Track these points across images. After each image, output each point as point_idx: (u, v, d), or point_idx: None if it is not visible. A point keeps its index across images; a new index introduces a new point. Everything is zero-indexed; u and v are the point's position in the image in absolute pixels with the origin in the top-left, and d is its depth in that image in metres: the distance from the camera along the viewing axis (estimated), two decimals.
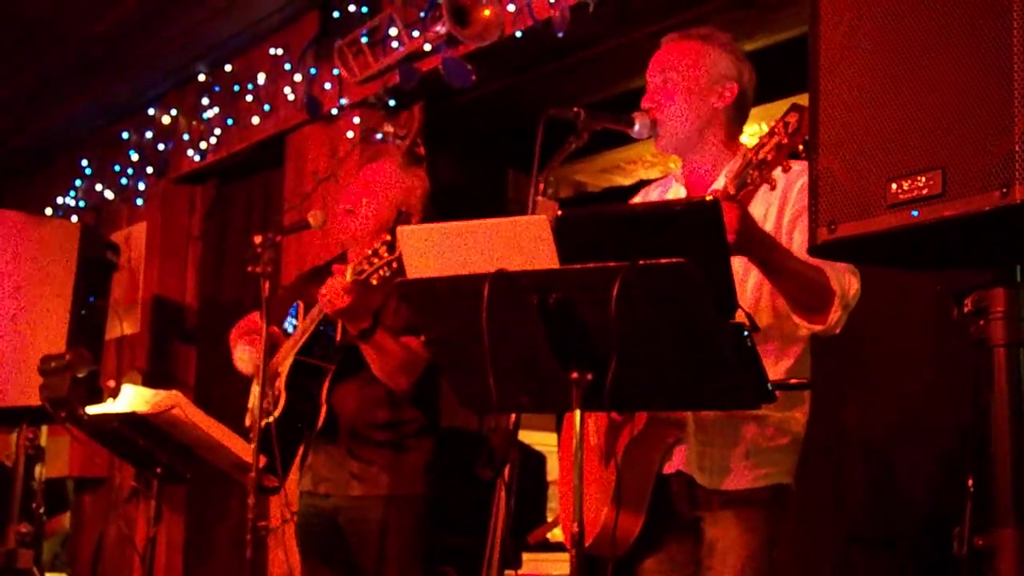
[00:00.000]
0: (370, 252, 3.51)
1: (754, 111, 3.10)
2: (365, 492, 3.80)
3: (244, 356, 3.93)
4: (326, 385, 3.81)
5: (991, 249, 2.07)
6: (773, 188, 2.49)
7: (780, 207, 2.85)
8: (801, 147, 2.38)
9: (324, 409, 3.78)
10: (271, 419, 3.74)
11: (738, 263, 2.58)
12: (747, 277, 2.83)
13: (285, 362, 3.80)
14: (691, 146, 2.99)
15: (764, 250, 2.58)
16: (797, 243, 2.75)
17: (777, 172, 2.44)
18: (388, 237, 3.49)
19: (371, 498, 3.79)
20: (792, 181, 2.82)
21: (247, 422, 3.89)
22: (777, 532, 2.86)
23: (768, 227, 2.80)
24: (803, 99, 2.31)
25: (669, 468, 2.85)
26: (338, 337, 3.81)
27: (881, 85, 2.06)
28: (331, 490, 3.85)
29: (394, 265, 3.44)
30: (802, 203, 2.78)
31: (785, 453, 2.87)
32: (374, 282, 3.46)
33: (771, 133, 2.43)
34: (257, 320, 3.96)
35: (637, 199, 3.24)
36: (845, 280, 2.68)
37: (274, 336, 3.85)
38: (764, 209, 2.84)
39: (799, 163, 2.77)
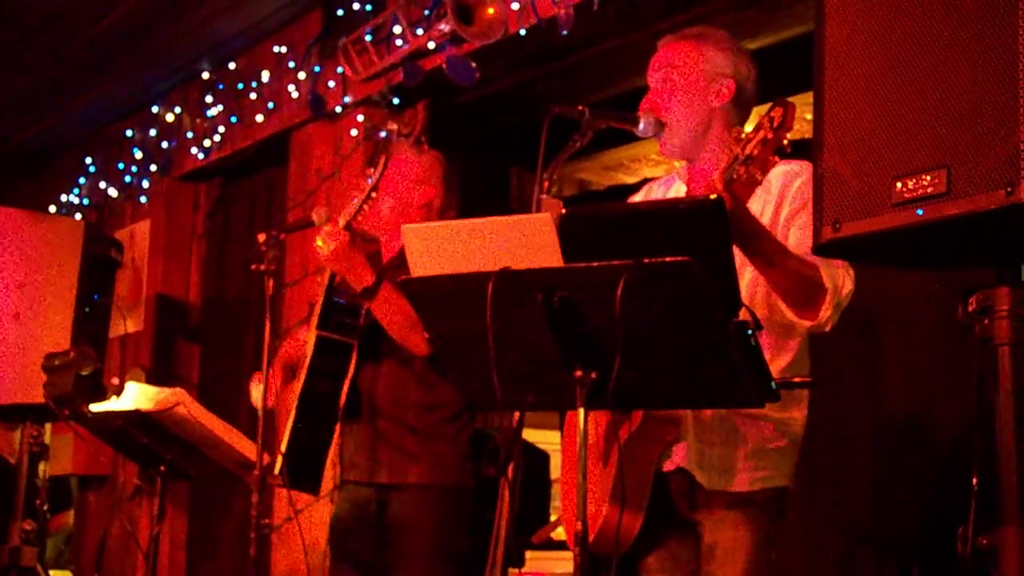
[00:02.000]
0: (361, 195, 3.52)
1: (758, 109, 3.09)
2: (391, 480, 3.69)
3: (256, 392, 3.83)
4: (352, 364, 3.72)
5: (996, 248, 2.07)
6: (760, 183, 2.47)
7: (777, 204, 2.85)
8: (786, 142, 2.37)
9: (345, 388, 3.67)
10: (294, 395, 3.67)
11: (735, 258, 2.58)
12: (743, 272, 2.83)
13: (310, 341, 3.71)
14: (695, 149, 2.99)
15: (757, 241, 2.56)
16: (793, 240, 2.75)
17: (763, 168, 2.42)
18: (370, 171, 3.51)
19: (397, 487, 3.68)
20: (789, 181, 2.82)
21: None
22: (775, 533, 2.85)
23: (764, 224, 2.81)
24: (807, 98, 2.31)
25: (669, 466, 2.85)
26: (363, 312, 3.72)
27: (886, 83, 2.05)
28: (359, 477, 3.74)
29: (374, 195, 3.46)
30: (800, 200, 2.79)
31: (784, 455, 2.87)
32: (360, 218, 3.48)
33: (756, 128, 2.42)
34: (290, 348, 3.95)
35: (638, 196, 3.24)
36: (839, 278, 2.67)
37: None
38: (760, 207, 2.83)
39: (796, 162, 2.78)
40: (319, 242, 3.55)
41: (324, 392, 3.69)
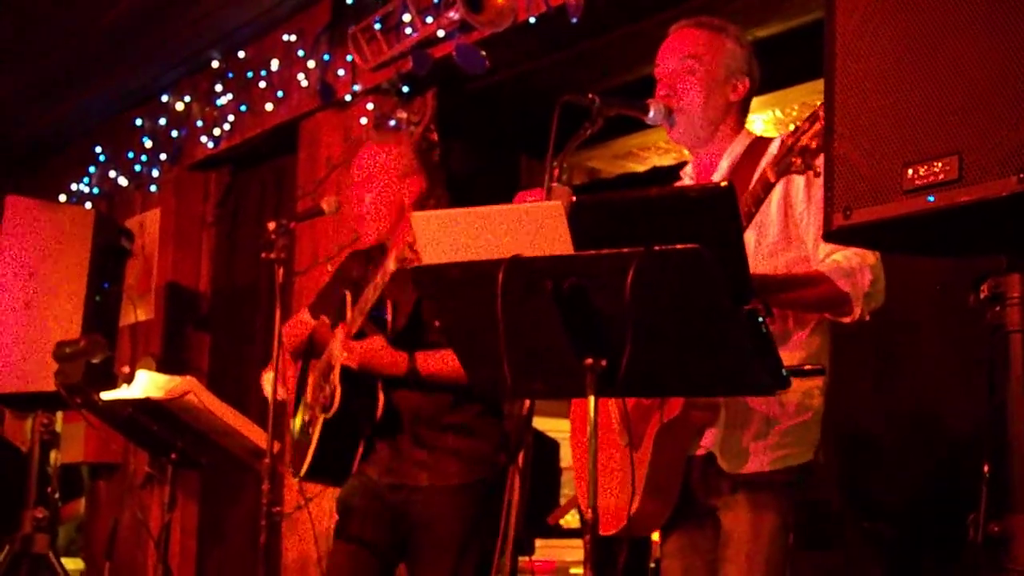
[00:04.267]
0: (374, 291, 3.51)
1: (767, 97, 3.12)
2: (431, 481, 3.64)
3: (269, 384, 3.81)
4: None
5: (1007, 235, 2.07)
6: (818, 175, 2.48)
7: (783, 197, 2.85)
8: None
9: (382, 400, 3.61)
10: (328, 415, 3.61)
11: (748, 240, 2.59)
12: (755, 260, 2.83)
13: (338, 354, 3.64)
14: (704, 138, 3.00)
15: (767, 296, 2.63)
16: (815, 229, 2.77)
17: (820, 159, 2.44)
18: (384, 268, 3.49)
19: (435, 488, 3.63)
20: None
21: (305, 417, 3.78)
22: (792, 518, 2.85)
23: (772, 217, 2.83)
24: (818, 85, 2.30)
25: (700, 451, 2.86)
26: (388, 323, 3.67)
27: (897, 70, 2.05)
28: (397, 480, 3.67)
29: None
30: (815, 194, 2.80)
31: (808, 428, 2.87)
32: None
33: (812, 119, 2.43)
34: (304, 321, 3.93)
35: None
36: (856, 279, 2.69)
37: (323, 327, 3.80)
38: (776, 199, 2.84)
39: None
40: (340, 353, 3.54)
41: (355, 403, 3.63)
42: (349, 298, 3.74)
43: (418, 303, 3.64)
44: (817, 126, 2.41)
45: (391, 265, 3.47)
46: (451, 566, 3.59)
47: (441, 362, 3.54)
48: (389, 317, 3.68)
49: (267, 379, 3.83)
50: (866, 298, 2.70)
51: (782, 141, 2.53)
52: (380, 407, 3.62)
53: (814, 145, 2.42)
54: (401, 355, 3.56)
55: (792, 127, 2.50)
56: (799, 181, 2.80)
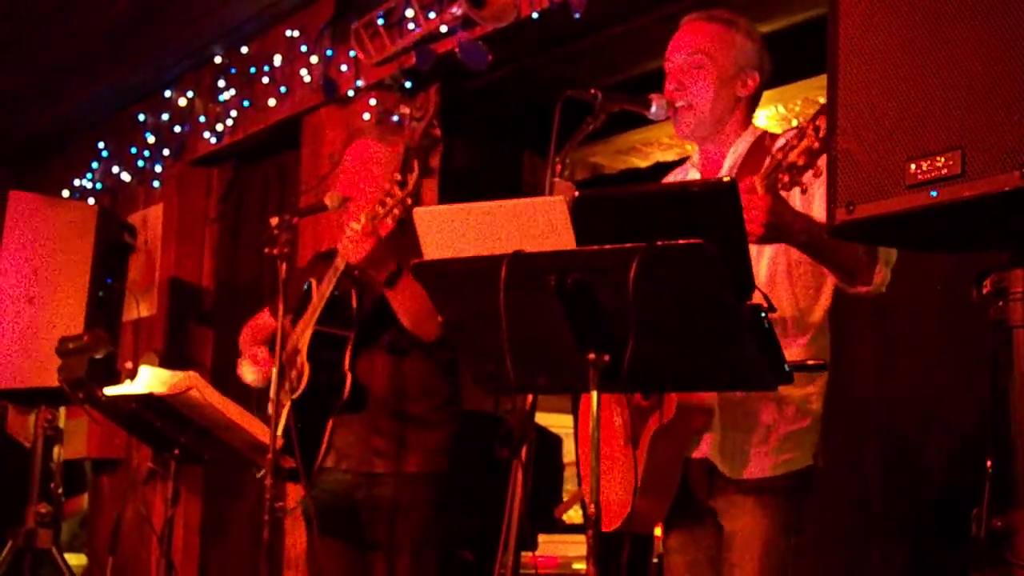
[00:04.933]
0: (383, 194, 3.51)
1: (771, 93, 3.11)
2: (387, 469, 3.75)
3: (248, 371, 3.94)
4: (348, 354, 3.75)
5: (1010, 230, 2.06)
6: (805, 191, 2.49)
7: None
8: None
9: (349, 379, 3.71)
10: (295, 395, 3.70)
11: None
12: (760, 258, 2.83)
13: (304, 335, 3.76)
14: (711, 134, 2.99)
15: (804, 234, 2.59)
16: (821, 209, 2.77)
17: (808, 176, 2.44)
18: (398, 176, 3.49)
19: (393, 475, 3.75)
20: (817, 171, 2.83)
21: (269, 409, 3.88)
22: (794, 520, 2.86)
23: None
24: (821, 81, 2.30)
25: (696, 454, 2.86)
26: (354, 304, 3.76)
27: (900, 65, 2.05)
28: (352, 467, 3.79)
29: (408, 201, 3.44)
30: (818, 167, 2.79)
31: (807, 434, 2.88)
32: (390, 222, 3.46)
33: (800, 135, 2.42)
34: (263, 323, 3.98)
35: None
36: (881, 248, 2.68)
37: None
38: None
39: None
40: (346, 242, 3.55)
41: (321, 386, 3.74)
42: (315, 284, 3.83)
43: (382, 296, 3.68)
44: (805, 143, 2.41)
45: (363, 220, 3.52)
46: (414, 562, 3.66)
47: (417, 287, 3.55)
48: (354, 301, 3.77)
49: (245, 368, 3.95)
50: (887, 264, 2.69)
51: (772, 155, 2.51)
52: (347, 385, 3.70)
53: (802, 162, 2.42)
54: (395, 260, 3.58)
55: (782, 142, 2.48)
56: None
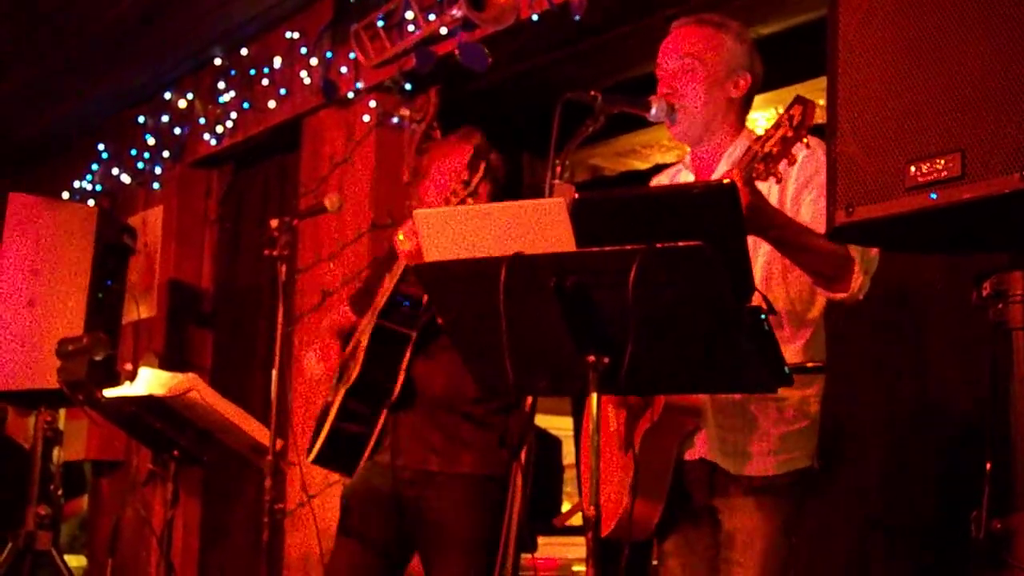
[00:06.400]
0: (448, 192, 3.49)
1: (768, 96, 3.11)
2: (442, 468, 3.65)
3: (311, 362, 3.85)
4: (408, 354, 3.68)
5: (1010, 232, 2.07)
6: (780, 181, 2.50)
7: (781, 185, 2.85)
8: (805, 141, 2.39)
9: (401, 379, 3.64)
10: (348, 385, 3.64)
11: (748, 244, 2.58)
12: (755, 258, 2.83)
13: (367, 328, 3.67)
14: (704, 136, 3.00)
15: (778, 229, 2.59)
16: (807, 215, 2.76)
17: (783, 165, 2.45)
18: (465, 175, 3.47)
19: (447, 475, 3.64)
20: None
21: (328, 399, 3.79)
22: (795, 518, 2.86)
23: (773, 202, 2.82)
24: (820, 83, 2.30)
25: (691, 455, 2.86)
26: (423, 303, 3.67)
27: (900, 68, 2.05)
28: (408, 463, 3.67)
29: (468, 200, 3.42)
30: (805, 176, 2.80)
31: (805, 435, 2.88)
32: None
33: (776, 126, 2.44)
34: (342, 316, 3.94)
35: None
36: (861, 249, 2.68)
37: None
38: (766, 188, 2.84)
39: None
40: (401, 237, 3.52)
41: (377, 380, 3.66)
42: (387, 277, 3.76)
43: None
44: (780, 132, 2.41)
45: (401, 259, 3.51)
46: (463, 564, 3.60)
47: None
48: (423, 314, 3.71)
49: (309, 357, 3.86)
50: (866, 272, 2.68)
51: (748, 146, 2.51)
52: (399, 384, 3.62)
53: (776, 151, 2.43)
54: None
55: (760, 132, 2.49)
56: (800, 156, 2.80)
